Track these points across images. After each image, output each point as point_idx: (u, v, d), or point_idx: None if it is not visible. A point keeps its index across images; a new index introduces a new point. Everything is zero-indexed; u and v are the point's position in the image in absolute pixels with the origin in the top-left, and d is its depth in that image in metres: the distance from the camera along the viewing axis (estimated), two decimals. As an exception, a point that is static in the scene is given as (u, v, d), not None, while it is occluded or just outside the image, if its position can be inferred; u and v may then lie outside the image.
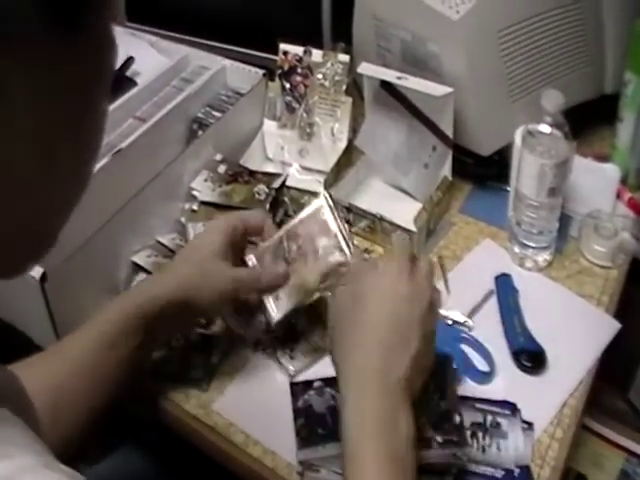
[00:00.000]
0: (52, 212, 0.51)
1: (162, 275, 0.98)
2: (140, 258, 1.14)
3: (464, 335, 1.06)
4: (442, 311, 1.08)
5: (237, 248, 1.00)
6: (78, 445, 0.86)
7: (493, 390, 0.99)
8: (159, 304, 0.92)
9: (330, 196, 1.00)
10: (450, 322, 1.08)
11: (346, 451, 0.75)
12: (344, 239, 0.97)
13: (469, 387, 1.00)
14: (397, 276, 0.82)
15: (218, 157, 1.27)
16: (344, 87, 1.32)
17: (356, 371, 0.79)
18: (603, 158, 1.29)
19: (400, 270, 0.82)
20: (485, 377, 1.01)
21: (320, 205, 0.99)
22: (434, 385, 0.91)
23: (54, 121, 0.45)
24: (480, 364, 1.03)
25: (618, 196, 1.25)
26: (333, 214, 0.98)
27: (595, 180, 1.24)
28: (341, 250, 0.96)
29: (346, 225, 0.99)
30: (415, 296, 0.81)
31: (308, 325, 1.07)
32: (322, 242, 0.97)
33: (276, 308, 1.00)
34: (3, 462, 0.44)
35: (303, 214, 1.00)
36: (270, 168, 1.32)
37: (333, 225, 0.97)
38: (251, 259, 1.01)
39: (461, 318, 1.08)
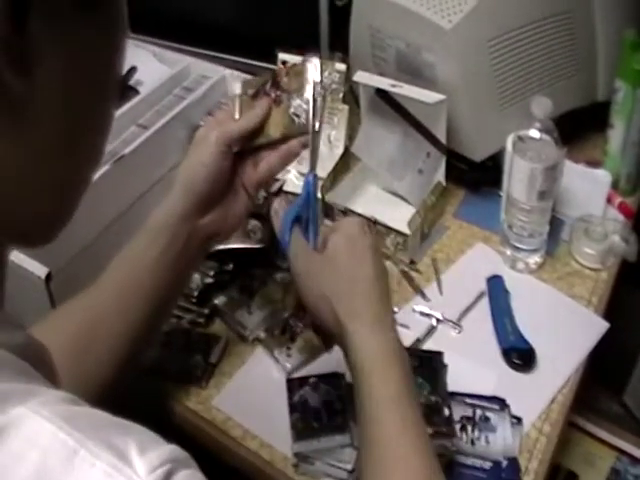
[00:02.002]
0: (71, 182, 0.56)
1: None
2: (142, 260, 1.17)
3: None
4: (431, 310, 1.12)
5: None
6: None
7: (479, 385, 1.02)
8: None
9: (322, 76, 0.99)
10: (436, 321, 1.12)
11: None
12: (314, 111, 0.96)
13: (460, 383, 1.02)
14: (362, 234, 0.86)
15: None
16: (341, 95, 1.35)
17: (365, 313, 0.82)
18: (595, 164, 1.32)
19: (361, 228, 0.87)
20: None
21: (310, 68, 0.98)
22: (424, 380, 0.95)
23: (72, 92, 0.50)
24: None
25: (609, 201, 1.27)
26: (315, 86, 0.97)
27: (586, 185, 1.27)
28: (307, 118, 0.95)
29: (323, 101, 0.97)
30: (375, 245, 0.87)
31: (304, 326, 1.10)
32: (295, 102, 0.97)
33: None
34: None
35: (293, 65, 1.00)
36: (269, 174, 1.35)
37: (309, 92, 0.96)
38: None
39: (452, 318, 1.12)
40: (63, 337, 0.86)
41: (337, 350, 1.07)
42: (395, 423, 0.75)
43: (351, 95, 1.39)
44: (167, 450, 0.48)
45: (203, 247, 0.97)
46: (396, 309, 1.13)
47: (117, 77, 0.55)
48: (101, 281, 0.93)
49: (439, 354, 1.00)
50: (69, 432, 0.46)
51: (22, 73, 0.45)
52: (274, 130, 0.96)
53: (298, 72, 0.97)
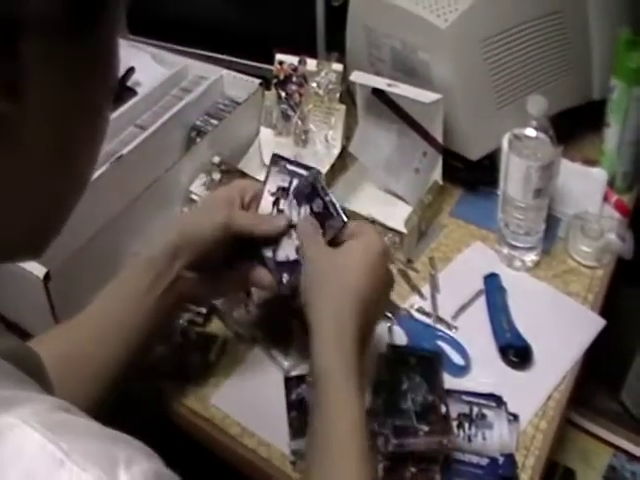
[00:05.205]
0: (61, 201, 0.57)
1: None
2: (140, 259, 1.17)
3: (440, 334, 1.10)
4: (429, 308, 1.14)
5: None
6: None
7: (476, 383, 1.03)
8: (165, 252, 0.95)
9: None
10: (432, 319, 1.13)
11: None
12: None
13: (457, 381, 1.03)
14: (376, 251, 0.88)
15: (216, 160, 1.31)
16: (338, 95, 1.36)
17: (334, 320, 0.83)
18: (591, 162, 1.33)
19: (376, 246, 0.89)
20: (461, 370, 1.05)
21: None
22: (422, 379, 0.95)
23: (63, 112, 0.51)
24: (456, 359, 1.07)
25: (605, 198, 1.28)
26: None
27: (583, 183, 1.28)
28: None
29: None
30: (386, 271, 0.90)
31: (301, 325, 1.11)
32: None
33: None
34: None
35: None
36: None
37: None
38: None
39: (446, 317, 1.13)
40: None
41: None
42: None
43: (348, 95, 1.40)
44: (152, 468, 0.49)
45: (178, 302, 0.98)
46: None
47: (108, 99, 0.56)
48: (88, 310, 0.94)
49: (437, 354, 1.01)
50: (56, 443, 0.46)
51: (13, 97, 0.46)
52: None
53: None
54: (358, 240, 0.88)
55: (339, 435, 0.77)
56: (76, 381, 0.86)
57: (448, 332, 1.10)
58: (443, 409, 0.92)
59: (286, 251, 0.96)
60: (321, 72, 1.36)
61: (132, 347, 0.93)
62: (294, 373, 1.04)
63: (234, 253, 0.99)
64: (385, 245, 0.90)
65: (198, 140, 1.33)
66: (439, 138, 1.24)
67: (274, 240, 0.97)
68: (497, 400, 0.98)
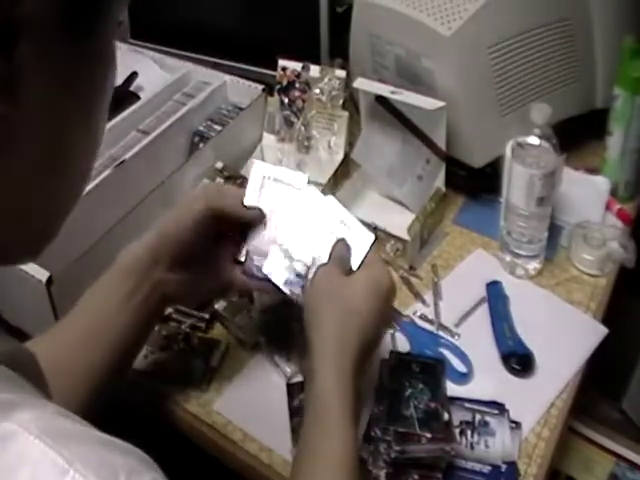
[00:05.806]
0: (57, 202, 0.56)
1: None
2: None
3: (443, 341, 1.10)
4: (431, 315, 1.14)
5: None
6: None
7: (478, 390, 1.03)
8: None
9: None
10: (434, 326, 1.13)
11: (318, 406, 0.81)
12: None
13: (460, 388, 1.03)
14: (385, 287, 0.90)
15: (219, 165, 1.31)
16: (341, 102, 1.36)
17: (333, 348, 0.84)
18: (594, 170, 1.33)
19: (385, 281, 0.90)
20: (463, 377, 1.05)
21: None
22: (425, 386, 0.95)
23: (59, 113, 0.51)
24: (459, 366, 1.06)
25: (608, 207, 1.28)
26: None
27: (585, 192, 1.28)
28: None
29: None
30: (389, 301, 0.91)
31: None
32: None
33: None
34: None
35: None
36: (269, 180, 1.36)
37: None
38: None
39: (449, 325, 1.13)
40: None
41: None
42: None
43: (351, 101, 1.40)
44: (152, 477, 0.48)
45: (162, 304, 0.98)
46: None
47: (105, 102, 0.56)
48: (71, 316, 0.93)
49: (440, 362, 1.00)
50: (58, 451, 0.46)
51: (7, 96, 0.46)
52: None
53: None
54: (368, 271, 0.90)
55: (329, 466, 0.77)
56: (66, 385, 0.85)
57: (450, 339, 1.10)
58: (446, 416, 0.92)
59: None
60: (324, 78, 1.37)
61: (119, 349, 0.92)
62: (296, 379, 1.04)
63: (214, 249, 0.99)
64: (393, 282, 0.91)
65: (201, 145, 1.34)
66: (442, 145, 1.24)
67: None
68: (499, 408, 0.98)
